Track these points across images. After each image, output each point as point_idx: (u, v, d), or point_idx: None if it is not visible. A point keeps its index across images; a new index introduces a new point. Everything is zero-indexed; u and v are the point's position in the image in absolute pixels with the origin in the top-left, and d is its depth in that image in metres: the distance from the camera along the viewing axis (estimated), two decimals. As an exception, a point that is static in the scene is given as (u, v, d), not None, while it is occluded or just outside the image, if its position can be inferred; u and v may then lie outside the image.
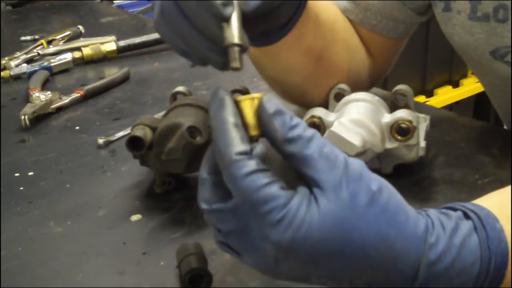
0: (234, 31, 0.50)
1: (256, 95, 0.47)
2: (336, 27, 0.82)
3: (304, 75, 0.81)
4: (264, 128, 0.46)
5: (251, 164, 0.44)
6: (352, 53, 0.85)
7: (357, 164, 0.46)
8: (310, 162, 0.45)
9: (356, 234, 0.44)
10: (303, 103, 0.88)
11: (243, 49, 0.50)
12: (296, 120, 0.46)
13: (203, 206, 0.47)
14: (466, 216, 0.49)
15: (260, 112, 0.46)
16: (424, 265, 0.46)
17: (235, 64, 0.49)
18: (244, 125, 0.46)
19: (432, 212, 0.49)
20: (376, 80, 0.92)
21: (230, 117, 0.46)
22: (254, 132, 0.46)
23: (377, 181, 0.46)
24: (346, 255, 0.44)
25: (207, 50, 0.53)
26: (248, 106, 0.46)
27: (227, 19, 0.50)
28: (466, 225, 0.48)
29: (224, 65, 0.52)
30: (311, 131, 0.46)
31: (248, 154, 0.44)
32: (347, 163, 0.46)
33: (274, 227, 0.44)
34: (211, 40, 0.52)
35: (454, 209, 0.50)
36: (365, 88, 0.85)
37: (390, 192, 0.47)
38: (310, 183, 0.45)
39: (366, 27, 0.87)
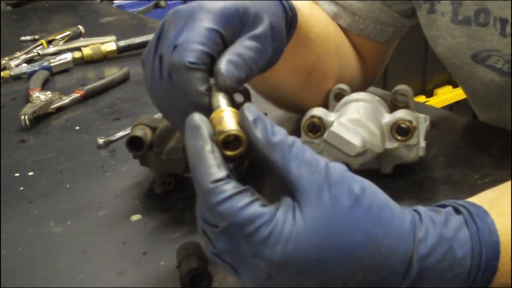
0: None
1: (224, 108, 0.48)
2: (327, 38, 0.81)
3: (294, 90, 0.80)
4: (249, 131, 0.46)
5: (228, 188, 0.44)
6: (343, 60, 0.85)
7: (338, 168, 0.46)
8: (292, 168, 0.45)
9: (344, 237, 0.44)
10: (297, 111, 0.88)
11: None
12: (277, 127, 0.46)
13: (200, 222, 0.47)
14: (457, 211, 0.50)
15: (241, 120, 0.46)
16: (415, 260, 0.46)
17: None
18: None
19: (421, 208, 0.49)
20: (370, 82, 0.92)
21: (204, 144, 0.46)
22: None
23: (359, 182, 0.46)
24: (337, 260, 0.44)
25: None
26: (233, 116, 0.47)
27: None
28: (456, 219, 0.48)
29: None
30: (291, 138, 0.46)
31: (224, 179, 0.44)
32: (328, 167, 0.45)
33: (263, 244, 0.44)
34: None
35: (445, 206, 0.51)
36: (359, 90, 0.85)
37: (373, 191, 0.47)
38: (293, 190, 0.45)
39: (355, 31, 0.87)
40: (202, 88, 0.53)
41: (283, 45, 0.61)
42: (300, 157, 0.45)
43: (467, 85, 0.88)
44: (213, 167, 0.45)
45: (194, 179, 0.46)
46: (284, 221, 0.44)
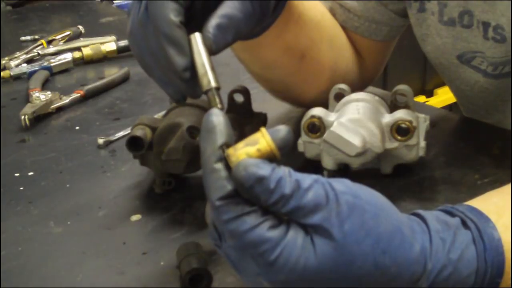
0: (208, 76, 0.51)
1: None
2: (322, 25, 0.82)
3: (287, 72, 0.81)
4: (244, 195, 0.44)
5: (235, 209, 0.43)
6: (338, 52, 0.85)
7: (348, 193, 0.44)
8: (299, 212, 0.43)
9: (352, 268, 0.44)
10: (291, 100, 0.88)
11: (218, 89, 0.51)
12: (275, 177, 0.43)
13: (210, 221, 0.46)
14: (465, 224, 0.49)
15: (236, 183, 0.43)
16: (422, 284, 0.46)
17: (217, 106, 0.50)
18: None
19: (430, 219, 0.49)
20: (369, 81, 0.92)
21: (213, 153, 0.44)
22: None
23: (372, 207, 0.45)
24: (341, 286, 0.44)
25: (164, 84, 0.56)
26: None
27: (182, 70, 0.52)
28: (464, 236, 0.48)
29: (177, 100, 0.57)
30: (291, 185, 0.43)
31: (231, 196, 0.43)
32: (337, 196, 0.44)
33: (267, 268, 0.43)
34: (168, 77, 0.54)
35: (452, 214, 0.50)
36: (357, 88, 0.85)
37: (386, 215, 0.45)
38: (306, 228, 0.44)
39: (350, 28, 0.87)
40: (175, 18, 0.52)
41: (269, 10, 0.61)
42: (305, 200, 0.43)
43: (454, 85, 0.88)
44: (220, 180, 0.43)
45: (205, 186, 0.44)
46: (292, 250, 0.43)
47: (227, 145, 0.44)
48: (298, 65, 0.80)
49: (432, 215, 0.49)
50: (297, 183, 0.43)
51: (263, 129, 0.44)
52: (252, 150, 0.44)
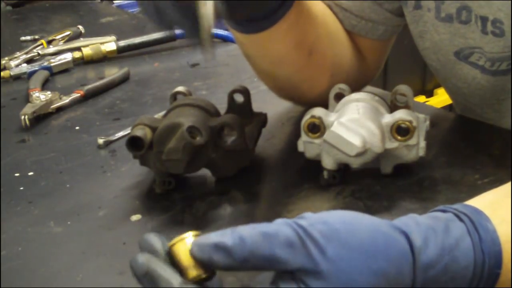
0: (209, 23, 0.53)
1: (186, 234, 0.46)
2: (324, 21, 0.83)
3: (295, 69, 0.81)
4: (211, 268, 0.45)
5: None
6: (341, 48, 0.86)
7: (315, 223, 0.44)
8: (276, 262, 0.43)
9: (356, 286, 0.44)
10: (295, 98, 0.88)
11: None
12: (232, 237, 0.44)
13: None
14: (458, 218, 0.49)
15: (195, 258, 0.45)
16: (419, 272, 0.45)
17: (208, 56, 0.51)
18: (183, 269, 0.45)
19: (420, 216, 0.49)
20: (368, 79, 0.92)
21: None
22: (195, 272, 0.45)
23: (342, 224, 0.45)
24: None
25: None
26: (182, 248, 0.46)
27: None
28: (458, 227, 0.48)
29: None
30: (255, 242, 0.43)
31: None
32: (307, 230, 0.44)
33: None
34: None
35: (444, 211, 0.50)
36: (359, 86, 0.85)
37: (357, 224, 0.46)
38: (293, 274, 0.44)
39: (347, 27, 0.87)
40: None
41: None
42: (278, 247, 0.43)
43: (450, 83, 0.88)
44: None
45: None
46: None
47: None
48: (306, 61, 0.80)
49: (422, 215, 0.50)
50: (262, 233, 0.43)
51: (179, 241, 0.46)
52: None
